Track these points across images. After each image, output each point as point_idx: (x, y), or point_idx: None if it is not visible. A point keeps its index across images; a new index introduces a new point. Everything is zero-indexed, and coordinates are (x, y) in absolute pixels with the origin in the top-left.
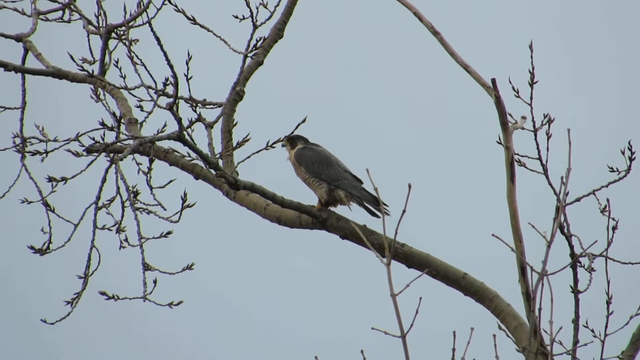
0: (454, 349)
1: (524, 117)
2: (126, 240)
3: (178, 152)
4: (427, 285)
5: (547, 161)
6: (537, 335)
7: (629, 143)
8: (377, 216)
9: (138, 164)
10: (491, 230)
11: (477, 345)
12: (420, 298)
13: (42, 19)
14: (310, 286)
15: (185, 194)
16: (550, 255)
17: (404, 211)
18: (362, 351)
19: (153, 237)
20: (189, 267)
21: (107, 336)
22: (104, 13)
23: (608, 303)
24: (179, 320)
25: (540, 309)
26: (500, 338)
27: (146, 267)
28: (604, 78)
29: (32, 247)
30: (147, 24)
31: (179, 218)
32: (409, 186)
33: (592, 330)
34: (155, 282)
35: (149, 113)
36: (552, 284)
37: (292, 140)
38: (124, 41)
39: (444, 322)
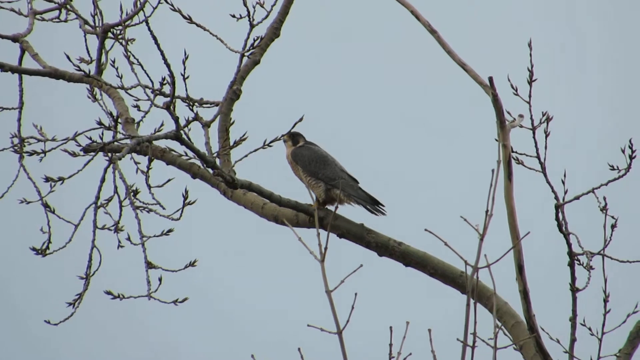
0: (390, 344)
1: (521, 116)
2: (128, 239)
3: (175, 151)
4: (424, 284)
5: (545, 159)
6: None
7: (630, 141)
8: (375, 214)
9: (136, 163)
10: (489, 229)
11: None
12: (356, 294)
13: (38, 19)
14: (308, 286)
15: (186, 191)
16: (549, 252)
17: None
18: (299, 349)
19: (154, 236)
20: (192, 264)
21: (108, 336)
22: (100, 12)
23: (605, 301)
24: (179, 318)
25: (475, 303)
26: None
27: (149, 265)
28: (604, 76)
29: (33, 249)
30: (144, 23)
31: (180, 215)
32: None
33: (590, 329)
34: (160, 279)
35: (146, 112)
36: (547, 282)
37: (293, 137)
38: (121, 40)
39: (443, 322)
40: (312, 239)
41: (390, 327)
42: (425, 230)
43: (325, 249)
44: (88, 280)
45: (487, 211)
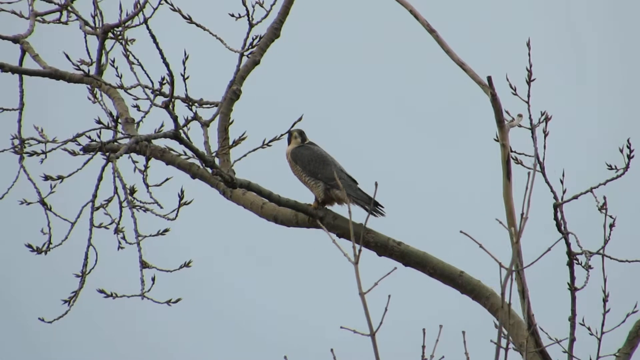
0: (423, 346)
1: (520, 115)
2: (123, 238)
3: (174, 151)
4: (423, 284)
5: (544, 159)
6: (534, 333)
7: (628, 141)
8: (374, 215)
9: (134, 162)
10: (488, 228)
11: (475, 344)
12: (389, 296)
13: (39, 21)
14: (307, 285)
15: (182, 192)
16: (548, 252)
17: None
18: (331, 350)
19: (150, 235)
20: (186, 265)
21: (104, 335)
22: (101, 13)
23: (605, 301)
24: (175, 318)
25: (509, 305)
26: (495, 335)
27: (144, 265)
28: (603, 76)
29: (29, 246)
30: (144, 24)
31: (176, 216)
32: (376, 185)
33: (589, 328)
34: (153, 279)
35: (146, 112)
36: (544, 282)
37: (302, 134)
38: (121, 41)
39: (442, 321)
40: (312, 238)
41: (424, 330)
42: (461, 232)
43: (360, 251)
44: (84, 278)
45: (522, 214)
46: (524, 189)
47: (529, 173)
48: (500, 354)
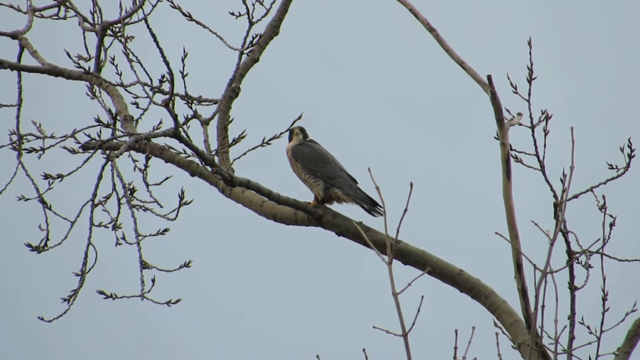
0: (455, 347)
1: (520, 114)
2: (123, 237)
3: (174, 149)
4: (422, 283)
5: (544, 158)
6: (533, 332)
7: (629, 140)
8: (374, 215)
9: (134, 160)
10: (487, 226)
11: (473, 342)
12: (422, 297)
13: (37, 16)
14: (307, 284)
15: (182, 192)
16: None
17: (405, 210)
18: (364, 350)
19: (150, 235)
20: (186, 265)
21: (104, 334)
22: (100, 10)
23: (604, 300)
24: (175, 316)
25: (543, 306)
26: (494, 334)
27: (144, 265)
28: (604, 75)
29: (29, 245)
30: (143, 21)
31: (176, 216)
32: (411, 185)
33: (588, 327)
34: (153, 280)
35: (145, 110)
36: (550, 282)
37: (303, 131)
38: (120, 38)
39: (440, 320)
40: (311, 236)
41: (456, 331)
42: (496, 233)
43: (393, 250)
44: (83, 277)
45: (557, 217)
46: (524, 188)
47: (564, 176)
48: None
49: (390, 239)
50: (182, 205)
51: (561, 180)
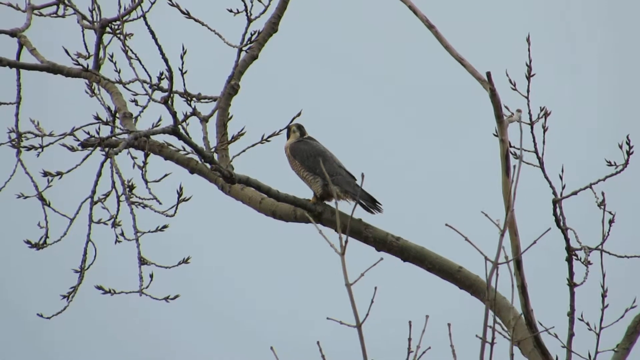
0: (409, 339)
1: (519, 111)
2: (122, 234)
3: (173, 146)
4: (422, 279)
5: (543, 154)
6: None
7: (627, 137)
8: (372, 212)
9: (133, 157)
10: (486, 224)
11: (473, 340)
12: (376, 288)
13: (36, 14)
14: (306, 281)
15: (181, 188)
16: (547, 248)
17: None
18: (317, 342)
19: (149, 231)
20: (185, 261)
21: (103, 330)
22: (98, 7)
23: (603, 296)
24: (174, 313)
25: (494, 299)
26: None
27: (142, 262)
28: (602, 72)
29: (28, 242)
30: (142, 18)
31: (175, 212)
32: (362, 176)
33: (588, 324)
34: (151, 276)
35: (144, 107)
36: (544, 277)
37: (300, 128)
38: (119, 35)
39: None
40: (311, 233)
41: (410, 322)
42: (446, 225)
43: (346, 242)
44: (82, 274)
45: (507, 207)
46: (523, 184)
47: (514, 166)
48: (486, 348)
49: (389, 235)
50: (181, 202)
51: (560, 177)
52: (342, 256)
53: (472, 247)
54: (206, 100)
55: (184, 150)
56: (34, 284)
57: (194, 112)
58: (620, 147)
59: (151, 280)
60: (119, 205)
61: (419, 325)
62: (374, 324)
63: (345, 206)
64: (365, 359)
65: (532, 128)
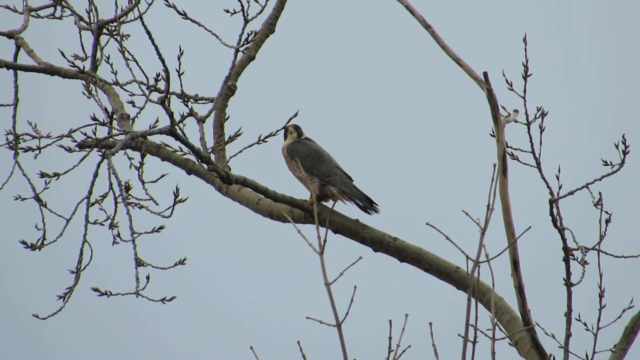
0: (390, 337)
1: (516, 111)
2: (118, 235)
3: (170, 147)
4: (421, 279)
5: (540, 154)
6: (530, 329)
7: (623, 137)
8: (369, 213)
9: (130, 158)
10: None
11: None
12: (355, 287)
13: (33, 16)
14: (304, 281)
15: (177, 189)
16: (544, 248)
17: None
18: (298, 342)
19: (145, 232)
20: (181, 262)
21: (99, 331)
22: (95, 9)
23: (601, 296)
24: (170, 314)
25: (476, 298)
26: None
27: (139, 263)
28: (598, 71)
29: (24, 242)
30: (139, 19)
31: (171, 213)
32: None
33: (585, 324)
34: (148, 278)
35: (141, 108)
36: (542, 277)
37: (297, 129)
38: (116, 37)
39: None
40: (308, 234)
41: (390, 321)
42: (427, 224)
43: (325, 241)
44: (79, 274)
45: (488, 205)
46: (520, 184)
47: (494, 165)
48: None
49: (387, 236)
50: (177, 203)
51: (557, 177)
52: (321, 255)
53: (471, 248)
54: (203, 101)
55: (181, 151)
56: (31, 284)
57: (191, 113)
58: (617, 146)
59: (148, 281)
60: (115, 206)
61: (420, 327)
62: (373, 324)
63: (342, 207)
64: (345, 358)
65: (528, 128)
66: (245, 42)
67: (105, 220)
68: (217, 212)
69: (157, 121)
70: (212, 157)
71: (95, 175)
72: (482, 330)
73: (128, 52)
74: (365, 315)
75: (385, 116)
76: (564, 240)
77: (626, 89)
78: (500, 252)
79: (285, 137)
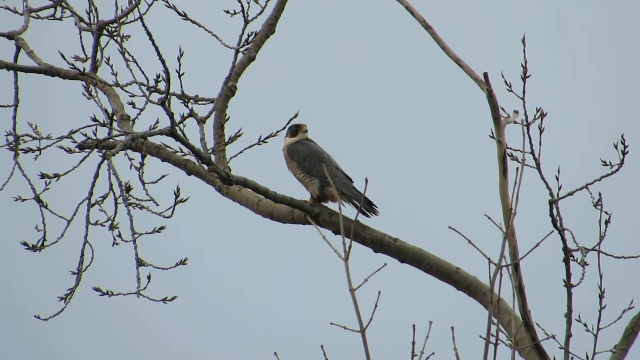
0: (413, 342)
1: (516, 112)
2: (119, 235)
3: (170, 148)
4: (421, 280)
5: (539, 155)
6: (530, 329)
7: (622, 137)
8: (368, 215)
9: (130, 159)
10: (484, 225)
11: (472, 340)
12: (379, 292)
13: (33, 17)
14: (303, 281)
15: (177, 189)
16: (544, 249)
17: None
18: (322, 346)
19: (146, 233)
20: (182, 262)
21: (101, 331)
22: (96, 9)
23: (601, 297)
24: (172, 313)
25: (499, 300)
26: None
27: (140, 263)
28: (597, 72)
29: (25, 243)
30: (139, 20)
31: (172, 213)
32: (366, 181)
33: (585, 325)
34: (149, 277)
35: (141, 109)
36: (540, 279)
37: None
38: (116, 38)
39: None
40: (308, 235)
41: (413, 326)
42: (449, 227)
43: (350, 247)
44: (80, 275)
45: (510, 209)
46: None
47: (517, 168)
48: (489, 349)
49: (387, 236)
50: (178, 203)
51: (556, 178)
52: (345, 261)
53: (470, 249)
54: (203, 101)
55: (181, 151)
56: (32, 285)
57: (191, 114)
58: (616, 146)
59: (149, 281)
60: (116, 206)
61: (420, 329)
62: (372, 325)
63: (342, 208)
64: None
65: (528, 129)
66: (246, 43)
67: (106, 221)
68: (217, 212)
69: (157, 122)
70: (213, 157)
71: (96, 176)
72: (503, 340)
73: (128, 53)
74: (368, 315)
75: (385, 117)
76: (564, 241)
77: (626, 89)
78: (522, 257)
79: (296, 134)
